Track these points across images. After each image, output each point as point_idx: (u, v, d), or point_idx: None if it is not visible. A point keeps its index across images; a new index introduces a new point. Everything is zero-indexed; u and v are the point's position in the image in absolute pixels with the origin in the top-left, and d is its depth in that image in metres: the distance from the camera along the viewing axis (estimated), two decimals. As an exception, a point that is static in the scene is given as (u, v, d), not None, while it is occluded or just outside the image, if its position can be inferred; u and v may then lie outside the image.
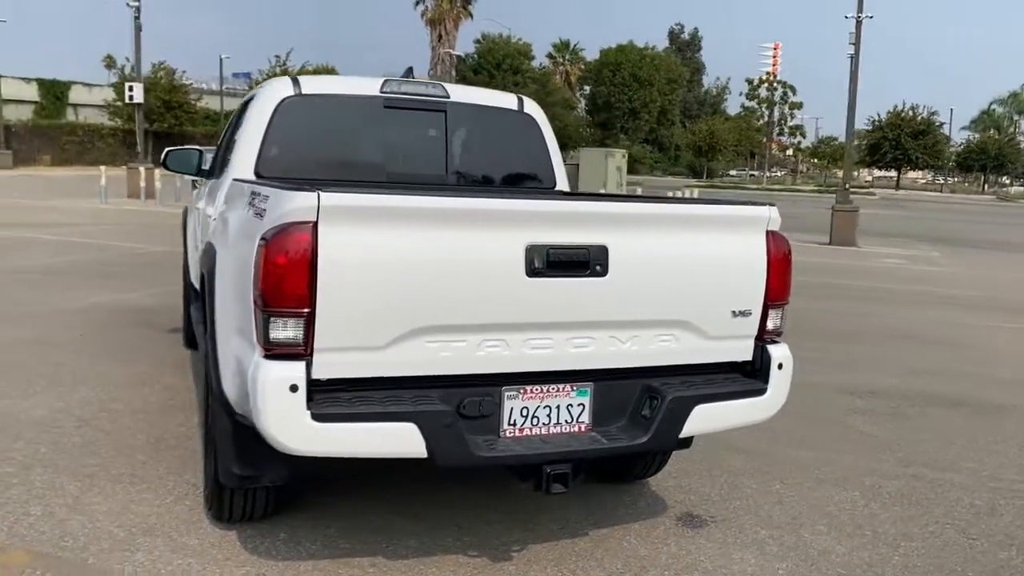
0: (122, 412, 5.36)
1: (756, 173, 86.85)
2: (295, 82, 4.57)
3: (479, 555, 3.64)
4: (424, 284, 2.87)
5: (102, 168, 24.12)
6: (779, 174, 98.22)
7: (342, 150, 4.66)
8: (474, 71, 75.51)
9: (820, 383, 6.89)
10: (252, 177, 4.36)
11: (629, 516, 4.13)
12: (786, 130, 77.99)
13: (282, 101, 4.50)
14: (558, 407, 3.20)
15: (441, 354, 2.95)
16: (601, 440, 3.20)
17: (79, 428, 5.02)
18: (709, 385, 3.36)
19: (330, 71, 63.83)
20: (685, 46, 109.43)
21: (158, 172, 26.73)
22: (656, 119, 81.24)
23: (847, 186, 21.11)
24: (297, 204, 2.72)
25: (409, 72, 5.00)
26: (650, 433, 3.20)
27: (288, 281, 2.71)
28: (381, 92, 4.64)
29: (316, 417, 2.78)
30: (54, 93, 53.96)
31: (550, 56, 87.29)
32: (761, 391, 3.44)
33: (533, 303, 3.01)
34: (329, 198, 2.72)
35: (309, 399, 2.81)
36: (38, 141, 44.70)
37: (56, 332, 7.49)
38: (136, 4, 25.87)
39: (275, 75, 56.15)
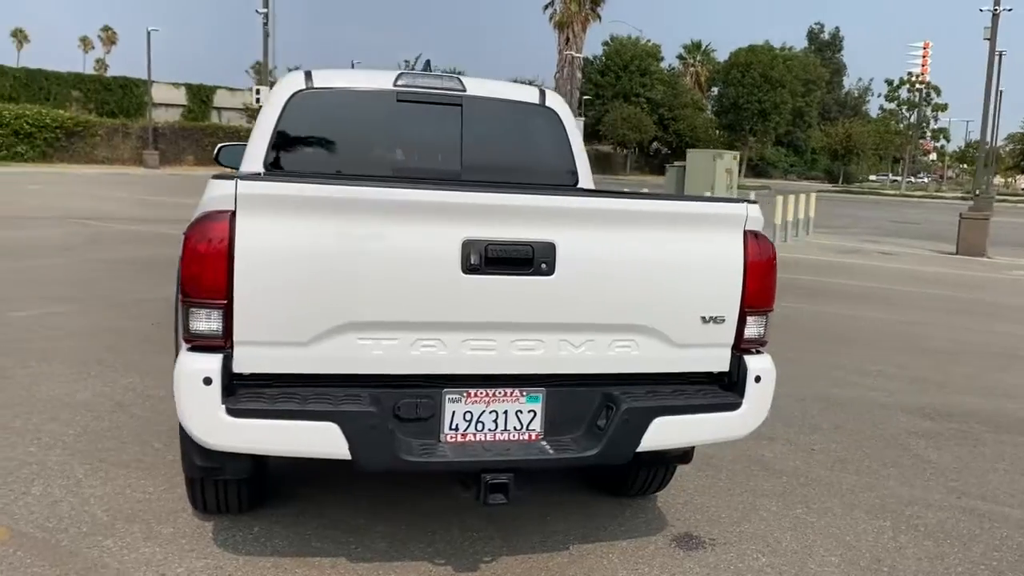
0: (161, 399, 5.50)
1: (898, 178, 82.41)
2: (308, 76, 4.56)
3: (445, 563, 3.50)
4: (351, 278, 2.75)
5: (228, 168, 25.29)
6: (925, 180, 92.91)
7: (353, 144, 4.62)
8: (600, 73, 75.23)
9: (888, 402, 6.37)
10: (261, 171, 4.39)
11: (622, 533, 3.89)
12: (927, 133, 73.40)
13: (293, 95, 4.50)
14: (506, 413, 3.02)
15: (372, 352, 2.83)
16: (547, 450, 3.00)
17: (111, 413, 5.19)
18: (675, 396, 3.10)
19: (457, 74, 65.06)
20: (825, 46, 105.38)
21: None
22: (791, 121, 78.48)
23: (977, 192, 19.62)
24: (215, 193, 2.67)
25: (427, 66, 4.91)
26: (601, 445, 2.98)
27: (206, 271, 2.67)
28: (395, 86, 4.57)
29: (231, 412, 2.72)
30: (200, 97, 57.26)
31: (680, 58, 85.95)
32: (735, 405, 3.15)
33: (470, 301, 2.84)
34: (247, 186, 2.66)
35: (229, 393, 2.75)
36: (183, 142, 47.42)
37: (129, 321, 7.84)
38: (264, 11, 27.07)
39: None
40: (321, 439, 2.74)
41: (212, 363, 2.70)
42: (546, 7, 69.88)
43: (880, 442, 5.42)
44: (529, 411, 3.04)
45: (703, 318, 3.07)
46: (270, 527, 3.73)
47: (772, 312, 3.24)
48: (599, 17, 71.07)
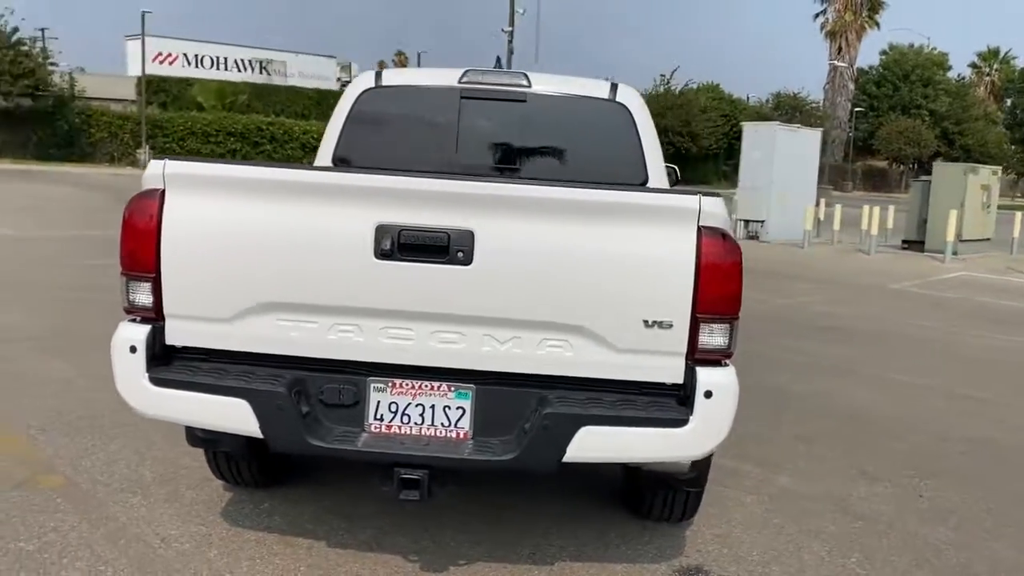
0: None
1: None
2: (378, 75, 4.70)
3: (416, 560, 3.44)
4: (267, 258, 2.80)
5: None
6: None
7: (415, 140, 4.68)
8: (876, 83, 70.10)
9: (1053, 452, 5.35)
10: (329, 165, 4.60)
11: (625, 556, 3.59)
12: None
13: (362, 93, 4.66)
14: (433, 407, 2.91)
15: (291, 334, 2.86)
16: (465, 450, 2.85)
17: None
18: (611, 405, 2.82)
19: (714, 88, 63.55)
20: None
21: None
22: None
23: None
24: (149, 172, 2.83)
25: (497, 62, 4.86)
26: (519, 451, 2.78)
27: (138, 246, 2.83)
28: (459, 83, 4.58)
29: (154, 381, 2.87)
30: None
31: (973, 66, 77.88)
32: (681, 422, 2.80)
33: (384, 288, 2.78)
34: (174, 166, 2.80)
35: (164, 363, 2.90)
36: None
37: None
38: (510, 30, 28.17)
39: (659, 94, 57.40)
40: (233, 415, 2.81)
41: (139, 333, 2.87)
42: (817, 16, 66.49)
43: (1016, 499, 4.56)
44: (458, 408, 2.91)
45: (646, 322, 2.77)
46: (277, 505, 3.87)
47: (737, 320, 2.85)
48: (877, 24, 66.34)
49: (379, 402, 2.92)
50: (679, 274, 2.73)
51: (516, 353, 2.83)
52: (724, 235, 2.77)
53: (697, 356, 2.80)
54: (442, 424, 2.91)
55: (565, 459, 2.78)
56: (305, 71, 56.60)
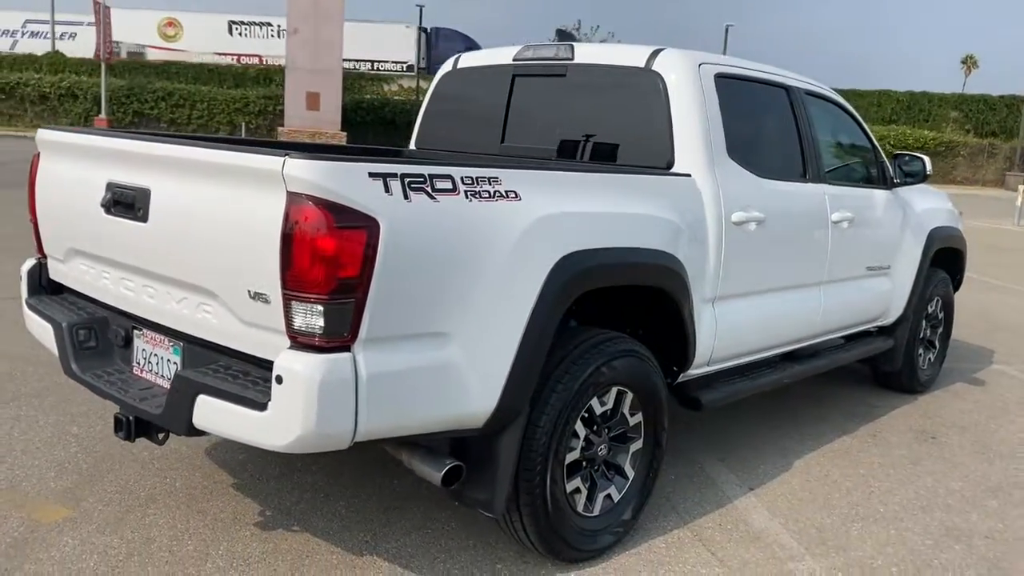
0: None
1: None
2: (458, 58, 4.74)
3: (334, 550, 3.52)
4: (60, 208, 3.37)
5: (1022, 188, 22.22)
6: None
7: (470, 122, 4.61)
8: None
9: None
10: (413, 149, 4.87)
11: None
12: None
13: (441, 77, 4.76)
14: (161, 359, 3.08)
15: (85, 277, 3.32)
16: (141, 398, 2.97)
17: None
18: (225, 378, 2.69)
19: None
20: None
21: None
22: None
23: None
24: (36, 138, 3.54)
25: (558, 35, 4.43)
26: (161, 408, 2.81)
27: (29, 196, 3.57)
28: (513, 60, 4.40)
29: (28, 305, 3.58)
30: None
31: None
32: (262, 406, 2.54)
33: (108, 240, 3.08)
34: (41, 132, 3.49)
35: (42, 292, 3.60)
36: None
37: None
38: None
39: None
40: (48, 337, 3.38)
41: (26, 266, 3.65)
42: None
43: None
44: (172, 363, 3.03)
45: (250, 292, 2.59)
46: (292, 469, 4.12)
47: (348, 302, 2.45)
48: None
49: (138, 347, 3.21)
50: (268, 244, 2.49)
51: (184, 314, 2.89)
52: (321, 203, 2.41)
53: (294, 337, 2.51)
54: (167, 376, 3.07)
55: (197, 425, 2.75)
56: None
